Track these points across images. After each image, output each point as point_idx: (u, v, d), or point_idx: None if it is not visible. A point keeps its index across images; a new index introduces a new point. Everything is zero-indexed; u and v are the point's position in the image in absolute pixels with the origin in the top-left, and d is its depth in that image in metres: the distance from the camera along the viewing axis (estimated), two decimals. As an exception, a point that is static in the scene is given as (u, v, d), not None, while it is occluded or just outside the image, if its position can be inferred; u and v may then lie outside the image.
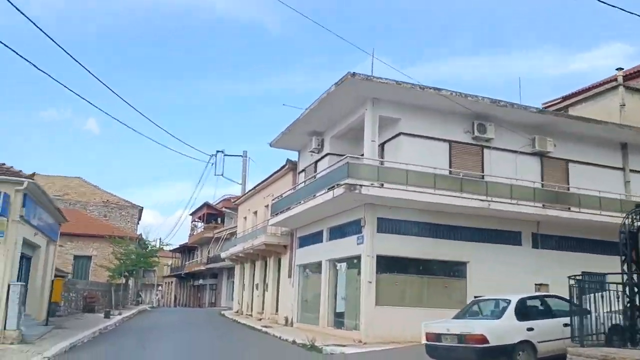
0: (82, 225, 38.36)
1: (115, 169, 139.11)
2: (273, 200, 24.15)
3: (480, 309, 11.91)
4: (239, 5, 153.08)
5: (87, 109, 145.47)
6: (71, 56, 13.84)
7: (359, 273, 17.66)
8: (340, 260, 19.46)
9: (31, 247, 18.60)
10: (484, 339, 9.58)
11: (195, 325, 24.33)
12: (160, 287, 77.63)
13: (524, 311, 10.61)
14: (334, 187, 17.09)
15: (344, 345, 15.59)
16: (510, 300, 10.76)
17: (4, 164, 15.43)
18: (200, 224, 60.69)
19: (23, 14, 11.99)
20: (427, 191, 17.04)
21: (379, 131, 18.14)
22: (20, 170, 15.19)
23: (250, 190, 32.75)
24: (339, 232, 19.67)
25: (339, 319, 19.22)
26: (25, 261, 18.58)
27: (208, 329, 22.71)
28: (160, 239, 42.13)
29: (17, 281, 15.48)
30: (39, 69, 13.14)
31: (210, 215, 56.64)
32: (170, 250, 62.81)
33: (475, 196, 17.59)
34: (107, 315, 25.52)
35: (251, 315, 29.67)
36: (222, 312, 34.78)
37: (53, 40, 13.18)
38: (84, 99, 16.76)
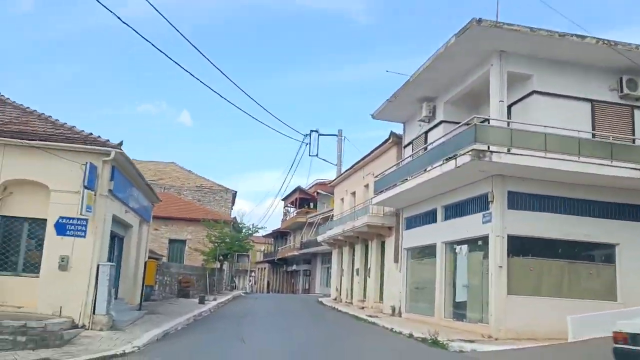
0: (176, 209, 37.92)
1: (207, 161, 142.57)
2: (376, 177, 21.88)
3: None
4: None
5: (180, 102, 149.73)
6: (190, 42, 12.42)
7: (485, 256, 15.11)
8: (460, 242, 16.89)
9: (123, 226, 17.41)
10: None
11: (293, 314, 22.60)
12: (253, 273, 77.68)
13: None
14: (455, 156, 14.60)
15: (471, 341, 13.23)
16: None
17: (90, 134, 14.10)
18: (292, 209, 59.63)
19: (155, 9, 10.64)
20: (570, 159, 14.17)
21: (504, 91, 15.43)
22: (108, 140, 13.78)
23: (347, 170, 30.55)
24: (457, 210, 17.12)
25: (458, 310, 16.71)
26: (118, 241, 17.43)
27: (308, 318, 20.89)
28: (253, 224, 40.75)
29: (108, 262, 14.17)
30: (170, 59, 11.57)
31: (303, 200, 55.38)
32: (263, 236, 62.26)
33: (628, 165, 14.49)
34: (202, 301, 24.28)
35: (351, 303, 27.62)
36: (319, 299, 33.00)
37: (179, 32, 11.82)
38: (200, 80, 15.21)
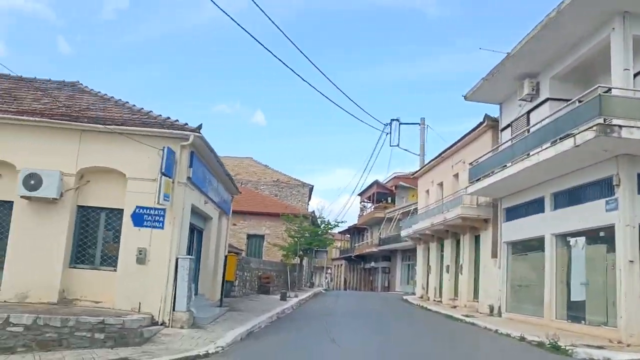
0: (254, 204, 37.28)
1: (281, 159, 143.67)
2: (471, 164, 20.01)
3: None
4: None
5: (254, 102, 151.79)
6: (282, 31, 11.18)
7: (611, 250, 13.09)
8: (575, 234, 14.79)
9: (202, 218, 16.52)
10: None
11: (380, 312, 21.14)
12: (329, 270, 76.71)
13: None
14: (571, 134, 12.66)
15: (599, 347, 11.31)
16: None
17: (168, 118, 13.19)
18: (369, 205, 58.04)
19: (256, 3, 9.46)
20: None
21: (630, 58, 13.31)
22: (186, 124, 12.81)
23: (433, 159, 28.59)
24: (571, 197, 15.09)
25: (574, 312, 14.65)
26: (197, 234, 16.54)
27: (398, 317, 19.43)
28: (328, 220, 39.39)
29: (187, 255, 13.21)
30: (273, 54, 10.51)
31: (380, 194, 53.60)
32: (339, 232, 61.01)
33: None
34: (284, 298, 23.29)
35: (440, 301, 25.79)
36: (404, 297, 31.36)
37: (273, 22, 10.72)
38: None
